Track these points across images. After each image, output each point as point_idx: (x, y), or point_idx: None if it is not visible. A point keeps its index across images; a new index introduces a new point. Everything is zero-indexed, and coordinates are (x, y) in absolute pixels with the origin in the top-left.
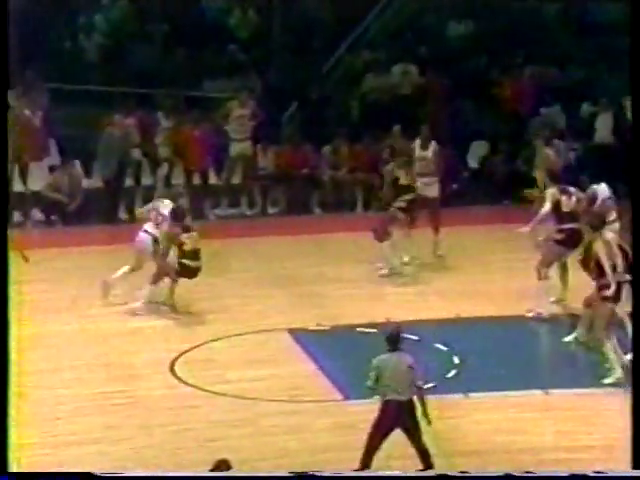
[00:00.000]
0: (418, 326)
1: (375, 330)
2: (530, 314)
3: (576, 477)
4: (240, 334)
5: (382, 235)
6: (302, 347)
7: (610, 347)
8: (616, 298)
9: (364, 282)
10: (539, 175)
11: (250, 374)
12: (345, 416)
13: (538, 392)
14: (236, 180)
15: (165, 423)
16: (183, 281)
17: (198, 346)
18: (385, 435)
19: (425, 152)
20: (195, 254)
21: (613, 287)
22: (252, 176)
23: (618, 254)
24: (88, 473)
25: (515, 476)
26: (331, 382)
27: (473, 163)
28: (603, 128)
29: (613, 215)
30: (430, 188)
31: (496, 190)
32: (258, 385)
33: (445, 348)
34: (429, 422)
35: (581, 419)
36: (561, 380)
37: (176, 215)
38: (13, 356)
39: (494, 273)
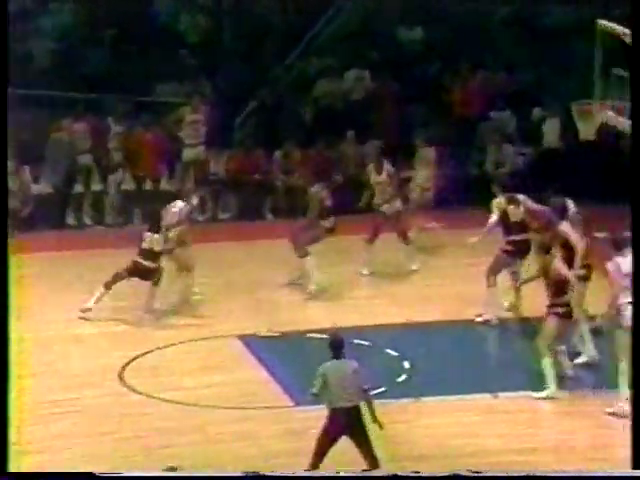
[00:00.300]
0: (369, 331)
1: (326, 336)
2: (479, 319)
3: (576, 477)
4: (191, 340)
5: (302, 251)
6: (253, 353)
7: (548, 362)
8: (568, 315)
9: (315, 287)
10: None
11: (200, 381)
12: (296, 422)
13: (487, 395)
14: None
15: (114, 431)
16: (136, 287)
17: (148, 353)
18: (332, 442)
19: (380, 177)
20: (152, 255)
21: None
22: (204, 181)
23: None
24: (89, 473)
25: (515, 476)
26: (282, 388)
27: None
28: (551, 132)
29: (579, 230)
30: (390, 207)
31: (446, 195)
32: (208, 392)
33: (396, 353)
34: (380, 426)
35: (529, 421)
36: (509, 383)
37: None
38: None
39: (445, 278)
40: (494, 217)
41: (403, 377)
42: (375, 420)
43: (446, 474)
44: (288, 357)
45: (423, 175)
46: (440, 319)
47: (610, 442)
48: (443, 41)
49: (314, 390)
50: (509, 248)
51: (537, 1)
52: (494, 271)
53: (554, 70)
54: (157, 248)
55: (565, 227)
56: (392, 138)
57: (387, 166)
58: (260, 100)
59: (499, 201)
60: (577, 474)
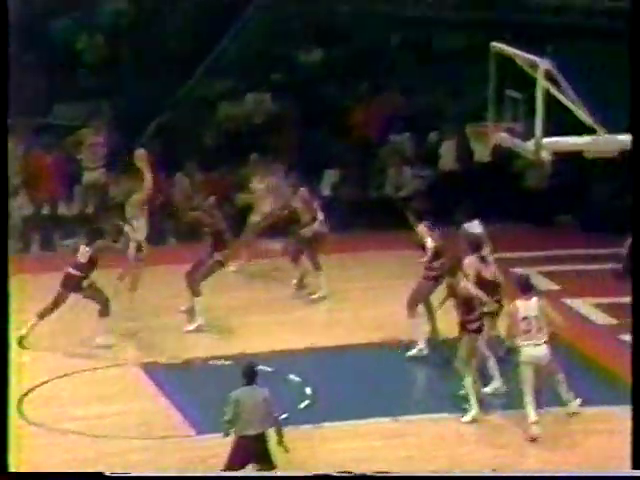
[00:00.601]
0: (272, 357)
1: (230, 362)
2: (411, 353)
3: (576, 477)
4: (90, 369)
5: (196, 291)
6: (154, 381)
7: (469, 382)
8: (478, 332)
9: (219, 313)
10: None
11: (100, 410)
12: (197, 451)
13: (387, 419)
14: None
15: (11, 464)
16: (32, 315)
17: (45, 383)
18: (239, 469)
19: (295, 202)
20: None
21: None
22: (104, 206)
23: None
24: (98, 473)
25: (516, 476)
26: (183, 417)
27: (326, 191)
28: (447, 155)
29: (486, 250)
30: (308, 230)
31: (348, 218)
32: (108, 422)
33: (298, 379)
34: (286, 450)
35: (432, 444)
36: (411, 406)
37: None
38: None
39: (349, 301)
40: (429, 242)
41: (305, 403)
42: (281, 444)
43: (439, 474)
44: (190, 385)
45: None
46: (343, 344)
47: (517, 463)
48: (342, 63)
49: (226, 418)
50: (432, 274)
51: (433, 24)
52: (417, 300)
53: (450, 92)
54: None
55: (469, 260)
56: (295, 161)
57: (302, 192)
58: (161, 122)
59: (421, 228)
60: (577, 474)
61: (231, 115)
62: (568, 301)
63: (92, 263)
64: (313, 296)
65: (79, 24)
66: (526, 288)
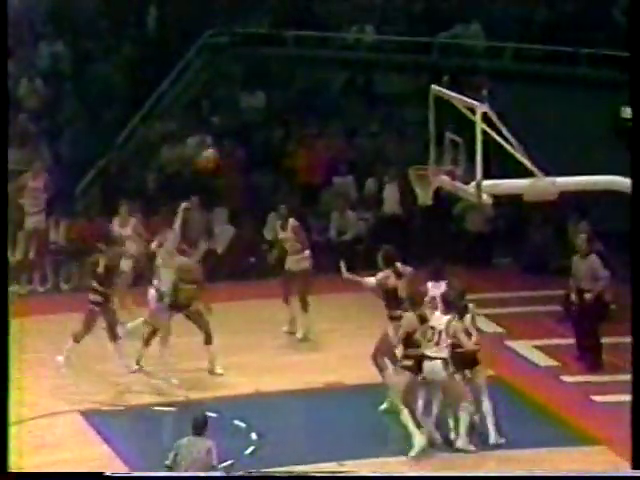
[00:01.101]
0: (217, 402)
1: (173, 409)
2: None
3: (576, 477)
4: (29, 418)
5: (114, 336)
6: (95, 429)
7: (406, 416)
8: (417, 369)
9: (161, 358)
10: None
11: (41, 460)
12: None
13: (332, 464)
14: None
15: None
16: None
17: None
18: None
19: (285, 233)
20: None
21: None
22: (44, 251)
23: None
24: (97, 473)
25: (515, 476)
26: (126, 465)
27: (270, 236)
28: (391, 198)
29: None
30: (299, 263)
31: None
32: (50, 470)
33: (243, 424)
34: None
35: None
36: (358, 450)
37: None
38: None
39: (295, 345)
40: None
41: (251, 449)
42: None
43: (438, 474)
44: (133, 432)
45: None
46: (291, 388)
47: None
48: (285, 106)
49: (167, 462)
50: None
51: (374, 67)
52: (385, 352)
53: (393, 135)
54: None
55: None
56: (238, 204)
57: (292, 221)
58: (102, 166)
59: (386, 275)
60: (577, 474)
61: (173, 158)
62: (510, 343)
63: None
64: (298, 335)
65: (18, 68)
66: (448, 304)
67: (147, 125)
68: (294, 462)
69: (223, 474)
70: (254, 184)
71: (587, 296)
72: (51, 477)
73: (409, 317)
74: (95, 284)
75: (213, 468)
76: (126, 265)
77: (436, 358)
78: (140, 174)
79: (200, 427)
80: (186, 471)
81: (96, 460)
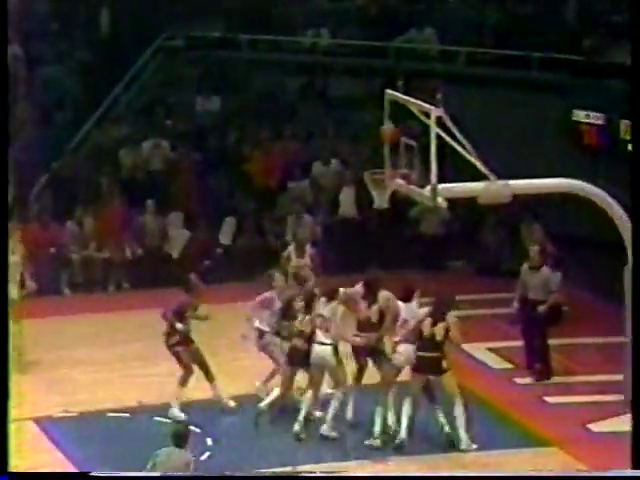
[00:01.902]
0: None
1: (127, 414)
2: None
3: (576, 477)
4: None
5: None
6: (48, 436)
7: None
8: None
9: (115, 364)
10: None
11: None
12: None
13: (287, 469)
14: None
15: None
16: None
17: None
18: None
19: (302, 259)
20: None
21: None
22: None
23: None
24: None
25: (515, 476)
26: (80, 471)
27: (225, 239)
28: (346, 201)
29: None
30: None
31: (247, 267)
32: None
33: (199, 430)
34: None
35: None
36: (310, 456)
37: None
38: None
39: (248, 349)
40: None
41: (206, 454)
42: None
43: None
44: (87, 438)
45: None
46: (243, 393)
47: None
48: (241, 110)
49: (148, 466)
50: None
51: (330, 71)
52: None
53: (348, 138)
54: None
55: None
56: (193, 209)
57: (309, 248)
58: (55, 171)
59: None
60: (577, 474)
61: (127, 162)
62: (463, 345)
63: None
64: None
65: None
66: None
67: (101, 129)
68: (249, 468)
69: (223, 474)
70: (209, 188)
71: (540, 308)
72: (51, 477)
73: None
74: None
75: None
76: None
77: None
78: (94, 178)
79: (181, 439)
80: None
81: (50, 467)
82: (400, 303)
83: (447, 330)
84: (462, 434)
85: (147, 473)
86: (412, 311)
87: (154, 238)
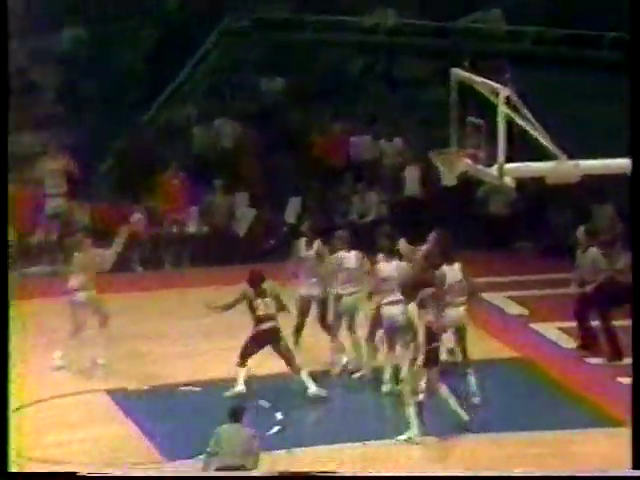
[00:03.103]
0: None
1: (198, 389)
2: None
3: (576, 477)
4: (57, 396)
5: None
6: (121, 408)
7: (410, 403)
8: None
9: (187, 339)
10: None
11: (67, 437)
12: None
13: (357, 444)
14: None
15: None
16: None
17: (14, 410)
18: None
19: (309, 252)
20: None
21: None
22: (67, 233)
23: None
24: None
25: (516, 476)
26: (152, 443)
27: (291, 218)
28: (411, 180)
29: None
30: (313, 289)
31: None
32: (76, 449)
33: (268, 404)
34: None
35: (402, 469)
36: (380, 432)
37: None
38: None
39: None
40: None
41: (276, 429)
42: None
43: (445, 474)
44: (158, 411)
45: None
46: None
47: None
48: (305, 91)
49: (208, 449)
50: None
51: (393, 52)
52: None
53: (413, 118)
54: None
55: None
56: (259, 188)
57: (318, 242)
58: (123, 150)
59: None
60: (577, 474)
61: (197, 141)
62: (534, 325)
63: None
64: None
65: (39, 52)
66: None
67: (169, 109)
68: (319, 443)
69: (223, 474)
70: (274, 168)
71: (588, 288)
72: (50, 477)
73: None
74: None
75: (255, 456)
76: None
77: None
78: (164, 156)
79: (237, 414)
80: (227, 454)
81: (123, 439)
82: (445, 267)
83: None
84: (458, 410)
85: (140, 473)
86: (455, 274)
87: (222, 216)
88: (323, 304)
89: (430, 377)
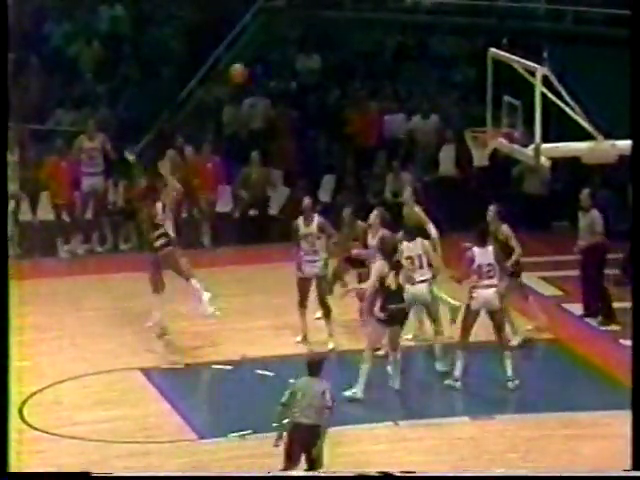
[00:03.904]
0: (272, 362)
1: (230, 367)
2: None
3: (576, 477)
4: (91, 374)
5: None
6: (155, 386)
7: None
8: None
9: (218, 317)
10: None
11: (101, 415)
12: (199, 455)
13: (389, 424)
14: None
15: (13, 468)
16: (33, 320)
17: (46, 388)
18: (297, 460)
19: (309, 228)
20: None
21: None
22: (103, 211)
23: None
24: (85, 473)
25: (516, 476)
26: (185, 421)
27: (325, 197)
28: (447, 159)
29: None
30: (315, 268)
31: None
32: (109, 426)
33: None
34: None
35: (431, 449)
36: (412, 411)
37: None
38: None
39: (349, 305)
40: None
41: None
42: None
43: (443, 474)
44: (191, 389)
45: None
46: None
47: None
48: (341, 69)
49: (283, 400)
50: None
51: (432, 30)
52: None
53: (449, 98)
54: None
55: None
56: (293, 167)
57: (316, 217)
58: (160, 128)
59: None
60: (577, 474)
61: (230, 120)
62: (568, 306)
63: None
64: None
65: (77, 30)
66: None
67: (204, 87)
68: (348, 422)
69: (223, 474)
70: (309, 146)
71: (580, 244)
72: (50, 477)
73: (380, 264)
74: None
75: (328, 409)
76: None
77: (421, 282)
78: (198, 135)
79: (316, 368)
80: (302, 411)
81: (156, 417)
82: (475, 248)
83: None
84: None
85: (153, 473)
86: (487, 256)
87: (257, 192)
88: (323, 282)
89: (391, 335)
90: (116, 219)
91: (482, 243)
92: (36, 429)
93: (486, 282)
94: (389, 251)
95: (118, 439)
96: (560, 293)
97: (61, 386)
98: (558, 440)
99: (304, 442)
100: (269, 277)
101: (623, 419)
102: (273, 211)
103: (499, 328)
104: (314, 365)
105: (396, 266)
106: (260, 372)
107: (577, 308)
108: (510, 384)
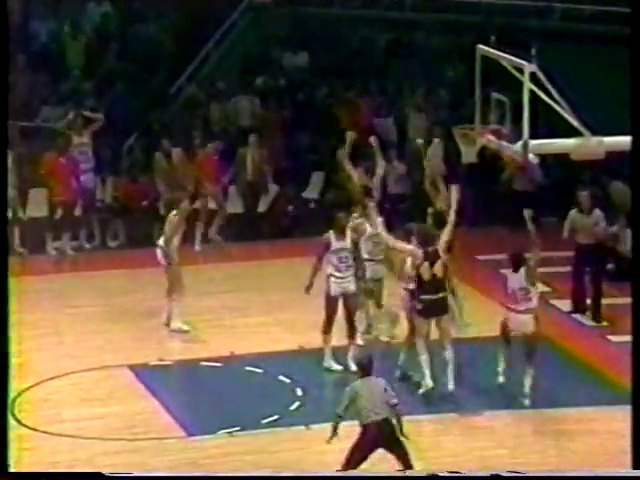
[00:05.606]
0: (262, 358)
1: (219, 364)
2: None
3: (576, 477)
4: (79, 371)
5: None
6: (143, 383)
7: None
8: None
9: (207, 315)
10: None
11: (88, 412)
12: (187, 453)
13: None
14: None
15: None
16: (20, 317)
17: (35, 385)
18: (365, 456)
19: (342, 242)
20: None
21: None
22: (92, 208)
23: None
24: (97, 473)
25: (516, 476)
26: (173, 418)
27: (313, 194)
28: (435, 157)
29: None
30: (346, 285)
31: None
32: (97, 424)
33: (288, 380)
34: (407, 438)
35: (420, 444)
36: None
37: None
38: None
39: None
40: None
41: (296, 405)
42: (402, 433)
43: (448, 474)
44: (180, 386)
45: None
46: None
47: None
48: (329, 66)
49: (339, 411)
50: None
51: (418, 27)
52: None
53: (436, 95)
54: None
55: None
56: (281, 164)
57: (349, 233)
58: (147, 125)
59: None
60: (577, 474)
61: (218, 118)
62: (556, 302)
63: None
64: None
65: (66, 27)
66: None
67: (192, 85)
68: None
69: (223, 474)
70: (297, 143)
71: (582, 242)
72: (51, 477)
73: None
74: None
75: (395, 405)
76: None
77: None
78: (186, 133)
79: (365, 368)
80: (370, 411)
81: (144, 414)
82: (508, 273)
83: (446, 267)
84: (450, 377)
85: (162, 473)
86: (519, 280)
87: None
88: (352, 300)
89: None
90: (104, 216)
91: (516, 269)
92: (25, 426)
93: (522, 307)
94: (424, 240)
95: (106, 436)
96: (548, 289)
97: (49, 383)
98: (546, 436)
99: (377, 439)
100: (259, 274)
101: (611, 415)
102: (262, 208)
103: (529, 355)
104: (365, 365)
105: (432, 256)
106: (249, 369)
107: (564, 304)
108: (500, 379)
